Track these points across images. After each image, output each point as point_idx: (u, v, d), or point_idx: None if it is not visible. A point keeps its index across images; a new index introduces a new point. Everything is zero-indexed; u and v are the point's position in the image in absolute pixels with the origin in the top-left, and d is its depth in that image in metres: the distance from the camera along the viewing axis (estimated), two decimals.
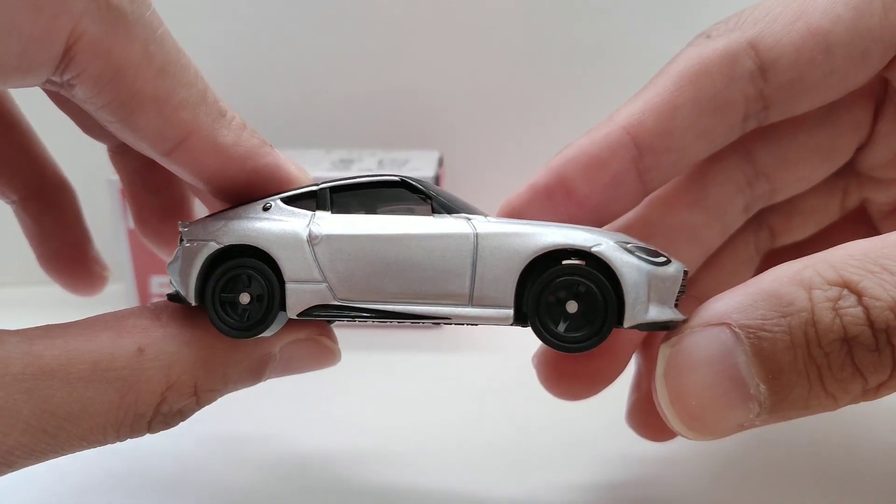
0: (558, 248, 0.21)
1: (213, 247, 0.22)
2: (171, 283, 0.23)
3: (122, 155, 0.28)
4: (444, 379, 0.37)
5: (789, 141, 0.26)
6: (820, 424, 0.31)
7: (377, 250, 0.21)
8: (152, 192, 0.29)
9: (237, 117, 0.23)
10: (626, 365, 0.28)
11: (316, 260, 0.22)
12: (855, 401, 0.18)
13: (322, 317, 0.22)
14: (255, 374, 0.23)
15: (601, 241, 0.21)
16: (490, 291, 0.21)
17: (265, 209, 0.23)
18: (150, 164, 0.27)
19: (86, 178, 0.43)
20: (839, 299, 0.18)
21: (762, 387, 0.18)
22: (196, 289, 0.22)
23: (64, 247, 0.30)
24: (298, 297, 0.22)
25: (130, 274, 0.42)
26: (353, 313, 0.22)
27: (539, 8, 0.47)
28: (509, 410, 0.34)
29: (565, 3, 0.47)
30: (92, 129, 0.27)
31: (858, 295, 0.18)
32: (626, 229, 0.27)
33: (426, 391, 0.36)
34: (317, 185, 0.23)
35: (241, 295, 0.22)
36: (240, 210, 0.23)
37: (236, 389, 0.23)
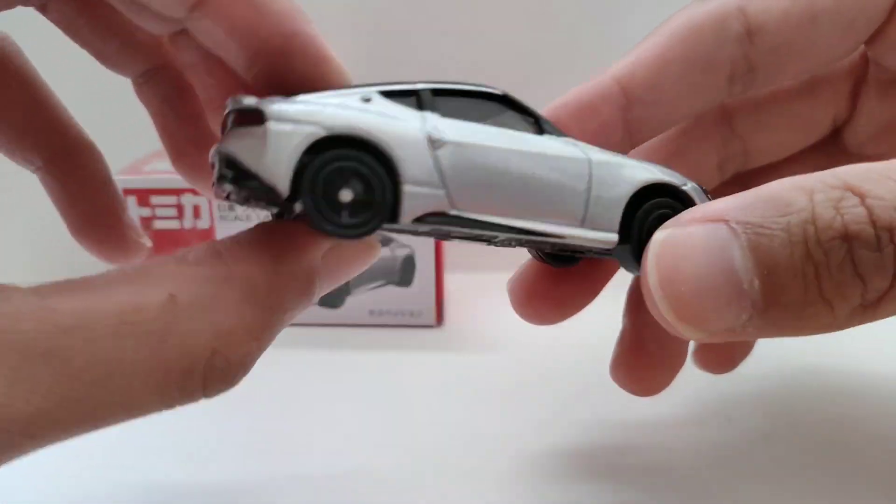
0: (658, 183, 0.23)
1: (318, 132, 0.19)
2: (227, 165, 0.19)
3: (150, 84, 0.27)
4: (443, 378, 0.37)
5: (766, 106, 0.28)
6: (821, 418, 0.32)
7: (505, 163, 0.21)
8: (185, 121, 0.27)
9: None
10: (597, 293, 0.29)
11: (437, 163, 0.20)
12: (853, 317, 0.18)
13: (435, 224, 0.20)
14: (307, 292, 0.21)
15: (687, 182, 0.24)
16: (600, 215, 0.22)
17: (365, 100, 0.20)
18: (181, 90, 0.26)
19: None
20: (841, 199, 0.17)
21: (756, 282, 0.18)
22: (291, 177, 0.19)
23: (93, 211, 0.29)
24: (415, 201, 0.20)
25: None
26: (470, 225, 0.21)
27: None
28: (510, 411, 0.34)
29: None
30: (112, 56, 0.26)
31: (861, 196, 0.17)
32: None
33: (425, 391, 0.36)
34: (414, 83, 0.21)
35: (342, 192, 0.19)
36: (326, 96, 0.20)
37: (293, 319, 0.21)
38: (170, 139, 0.28)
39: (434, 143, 0.20)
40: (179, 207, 0.41)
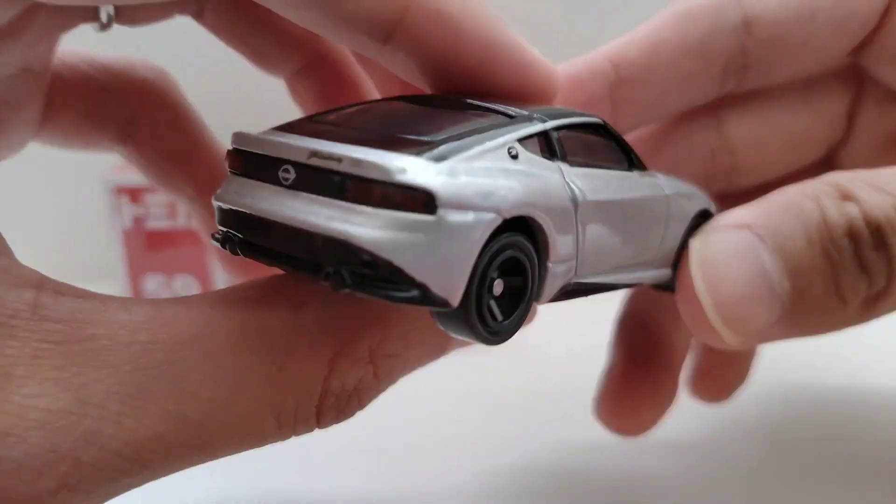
0: (704, 210, 0.22)
1: (497, 220, 0.15)
2: (351, 260, 0.14)
3: (306, 80, 0.26)
4: (442, 380, 0.37)
5: (760, 114, 0.27)
6: (820, 417, 0.31)
7: (625, 216, 0.19)
8: None
9: None
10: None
11: (578, 233, 0.17)
12: (860, 311, 0.19)
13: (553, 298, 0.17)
14: (440, 347, 0.19)
15: (709, 200, 0.23)
16: (666, 253, 0.21)
17: (512, 156, 0.16)
18: (338, 84, 0.26)
19: (81, 179, 0.43)
20: (841, 203, 0.19)
21: (785, 283, 0.19)
22: (467, 283, 0.15)
23: None
24: (555, 281, 0.17)
25: (125, 273, 0.42)
26: (584, 291, 0.18)
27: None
28: (509, 412, 0.34)
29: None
30: (268, 56, 0.25)
31: (853, 199, 0.19)
32: None
33: (425, 392, 0.36)
34: (536, 120, 0.17)
35: (496, 284, 0.15)
36: (466, 149, 0.15)
37: (419, 363, 0.19)
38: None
39: (577, 207, 0.17)
40: (172, 207, 0.41)
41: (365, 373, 0.17)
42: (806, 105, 0.27)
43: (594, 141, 0.19)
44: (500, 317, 0.16)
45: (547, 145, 0.17)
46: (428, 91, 0.19)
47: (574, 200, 0.17)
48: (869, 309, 0.19)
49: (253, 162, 0.15)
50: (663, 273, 0.21)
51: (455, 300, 0.14)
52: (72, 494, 0.14)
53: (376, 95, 0.26)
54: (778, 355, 0.33)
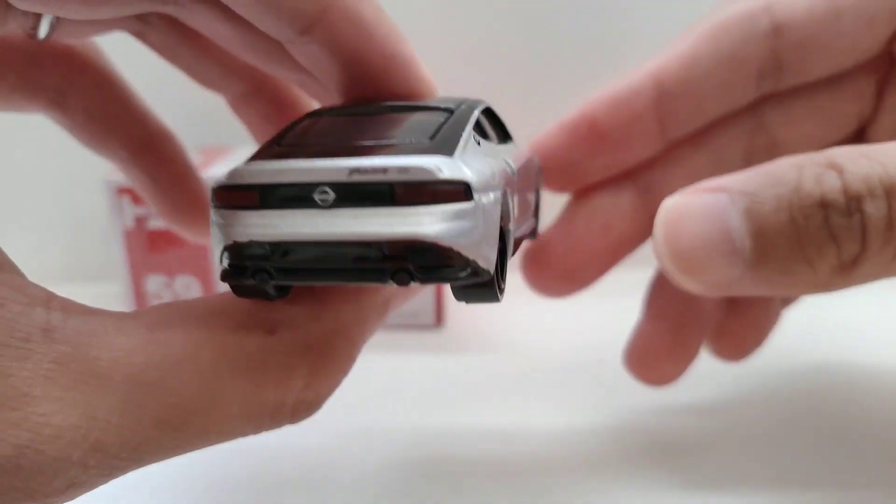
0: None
1: (499, 196, 0.17)
2: (411, 254, 0.16)
3: (248, 103, 0.28)
4: (442, 379, 0.37)
5: (792, 99, 0.28)
6: (821, 402, 0.31)
7: (523, 179, 0.22)
8: None
9: None
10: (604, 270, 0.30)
11: (514, 198, 0.20)
12: (834, 277, 0.20)
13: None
14: (384, 316, 0.22)
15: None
16: (532, 205, 0.25)
17: (476, 142, 0.19)
18: (281, 108, 0.27)
19: (81, 178, 0.43)
20: (823, 174, 0.20)
21: (747, 241, 0.21)
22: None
23: (182, 196, 0.30)
24: (511, 240, 0.19)
25: (126, 274, 0.42)
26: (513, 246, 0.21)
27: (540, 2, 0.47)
28: (509, 412, 0.34)
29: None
30: (209, 76, 0.27)
31: (840, 170, 0.20)
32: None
33: (424, 392, 0.36)
34: (464, 109, 0.19)
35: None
36: (455, 139, 0.17)
37: (371, 335, 0.22)
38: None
39: (514, 178, 0.20)
40: None
41: (336, 381, 0.20)
42: (836, 84, 0.28)
43: (490, 121, 0.22)
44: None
45: (480, 130, 0.20)
46: (334, 96, 0.22)
47: (512, 172, 0.20)
48: (845, 274, 0.20)
49: (275, 193, 0.16)
50: (533, 222, 0.25)
51: (493, 270, 0.17)
52: (78, 489, 0.16)
53: None
54: (800, 330, 0.35)
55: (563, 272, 0.30)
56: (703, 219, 0.21)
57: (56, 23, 0.23)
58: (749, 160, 0.29)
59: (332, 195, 0.16)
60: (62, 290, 0.27)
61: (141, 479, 0.28)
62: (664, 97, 0.27)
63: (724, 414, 0.32)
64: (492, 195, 0.16)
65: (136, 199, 0.40)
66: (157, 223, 0.41)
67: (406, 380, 0.37)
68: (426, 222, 0.15)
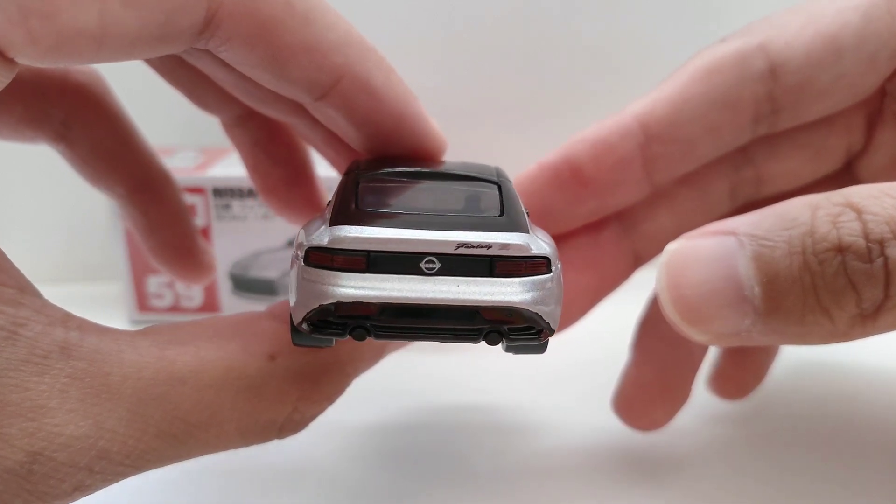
0: None
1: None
2: (502, 319, 0.18)
3: (241, 127, 0.28)
4: (442, 379, 0.37)
5: (780, 136, 0.27)
6: (829, 418, 0.32)
7: None
8: (276, 162, 0.29)
9: (384, 59, 0.22)
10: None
11: None
12: (853, 327, 0.18)
13: None
14: (378, 359, 0.23)
15: None
16: None
17: (527, 213, 0.21)
18: (271, 134, 0.27)
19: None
20: (840, 215, 0.18)
21: (757, 289, 0.19)
22: None
23: (172, 238, 0.31)
24: None
25: (128, 275, 0.42)
26: None
27: (539, 7, 0.47)
28: (509, 411, 0.34)
29: (566, 4, 0.47)
30: (206, 101, 0.27)
31: (859, 212, 0.18)
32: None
33: (424, 391, 0.36)
34: (502, 180, 0.22)
35: None
36: (519, 214, 0.20)
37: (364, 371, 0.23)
38: (260, 178, 0.29)
39: None
40: None
41: (322, 407, 0.21)
42: (825, 119, 0.27)
43: None
44: None
45: None
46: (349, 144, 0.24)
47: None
48: (866, 324, 0.18)
49: (383, 259, 0.18)
50: None
51: (556, 328, 0.19)
52: (82, 492, 0.18)
53: (305, 146, 0.29)
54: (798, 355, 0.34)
55: None
56: (708, 264, 0.19)
57: None
58: (735, 195, 0.28)
59: (437, 265, 0.18)
60: (63, 291, 0.27)
61: (141, 479, 0.28)
62: (651, 141, 0.25)
63: (723, 415, 0.33)
64: (559, 265, 0.19)
65: None
66: None
67: (406, 380, 0.37)
68: (518, 291, 0.18)
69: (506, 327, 0.18)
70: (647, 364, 0.29)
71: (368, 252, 0.18)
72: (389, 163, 0.22)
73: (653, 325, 0.29)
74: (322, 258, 0.18)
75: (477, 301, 0.18)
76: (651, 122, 0.25)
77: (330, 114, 0.22)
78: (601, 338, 0.32)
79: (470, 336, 0.18)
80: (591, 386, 0.33)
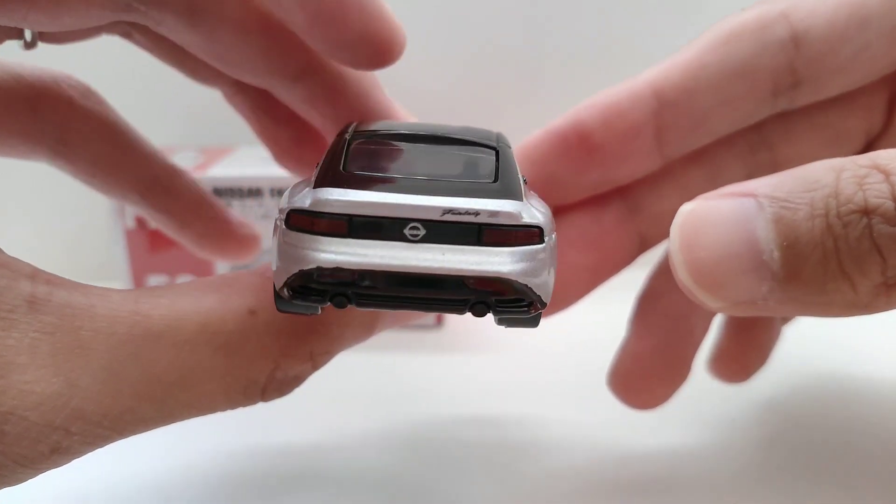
0: None
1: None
2: (490, 290, 0.17)
3: (239, 95, 0.28)
4: (443, 380, 0.37)
5: (797, 115, 0.26)
6: (827, 423, 0.31)
7: None
8: (280, 124, 0.28)
9: None
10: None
11: None
12: (878, 297, 0.17)
13: None
14: (369, 328, 0.22)
15: None
16: None
17: (525, 181, 0.20)
18: (268, 97, 0.26)
19: None
20: (866, 177, 0.17)
21: (776, 253, 0.18)
22: None
23: (204, 227, 0.30)
24: None
25: (128, 274, 0.42)
26: None
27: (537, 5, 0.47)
28: (510, 412, 0.34)
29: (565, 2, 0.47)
30: (196, 72, 0.27)
31: (886, 174, 0.17)
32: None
33: (425, 392, 0.36)
34: (501, 145, 0.21)
35: None
36: (516, 181, 0.19)
37: (350, 346, 0.22)
38: (270, 140, 0.28)
39: None
40: None
41: (304, 367, 0.20)
42: (845, 99, 0.26)
43: None
44: None
45: None
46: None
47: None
48: (891, 293, 0.17)
49: (366, 224, 0.17)
50: None
51: (548, 301, 0.18)
52: (61, 456, 0.17)
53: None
54: (802, 341, 0.33)
55: None
56: (725, 226, 0.18)
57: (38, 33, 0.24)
58: (749, 178, 0.27)
59: (422, 231, 0.17)
60: None
61: (142, 481, 0.28)
62: (664, 109, 0.24)
63: (716, 421, 0.33)
64: (553, 235, 0.18)
65: None
66: None
67: (406, 380, 0.37)
68: (507, 262, 0.17)
69: (493, 298, 0.17)
70: (646, 339, 0.28)
71: (351, 216, 0.17)
72: (384, 125, 0.22)
73: (653, 299, 0.28)
74: (303, 221, 0.17)
75: (462, 270, 0.17)
76: (665, 89, 0.24)
77: (298, 97, 0.21)
78: (604, 334, 0.32)
79: (455, 307, 0.18)
80: (591, 390, 0.33)
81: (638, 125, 0.25)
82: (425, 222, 0.17)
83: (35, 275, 0.17)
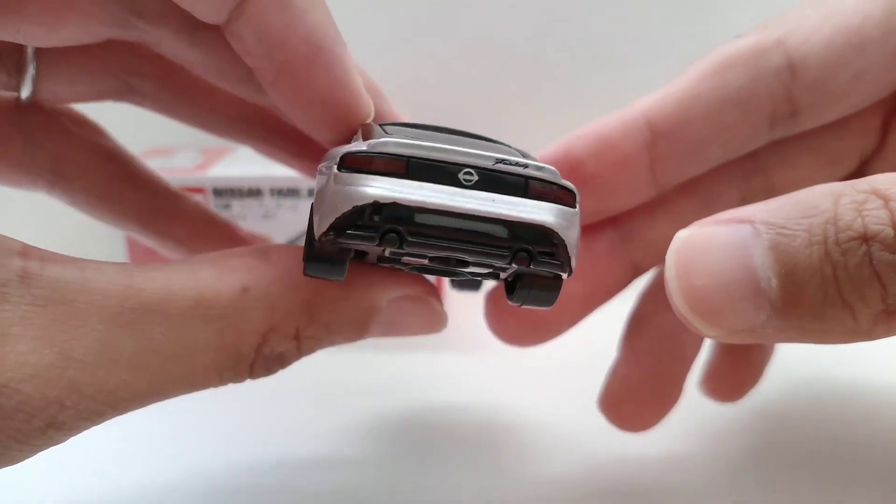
0: None
1: None
2: (535, 242, 0.18)
3: (270, 145, 0.28)
4: (443, 379, 0.37)
5: (792, 139, 0.26)
6: (822, 432, 0.31)
7: None
8: (292, 152, 0.28)
9: None
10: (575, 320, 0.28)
11: None
12: (878, 324, 0.17)
13: None
14: (360, 327, 0.22)
15: None
16: None
17: None
18: (296, 142, 0.27)
19: None
20: (865, 202, 0.17)
21: (774, 281, 0.17)
22: None
23: (216, 249, 0.29)
24: None
25: None
26: None
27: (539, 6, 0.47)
28: (510, 412, 0.34)
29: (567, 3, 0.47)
30: (218, 127, 0.27)
31: (885, 199, 0.17)
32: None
33: (425, 391, 0.36)
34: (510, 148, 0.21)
35: None
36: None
37: (339, 343, 0.22)
38: (295, 164, 0.28)
39: None
40: None
41: (290, 346, 0.21)
42: (839, 121, 0.25)
43: None
44: None
45: None
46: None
47: None
48: (891, 320, 0.17)
49: (423, 166, 0.18)
50: None
51: (574, 269, 0.19)
52: (57, 431, 0.17)
53: None
54: (797, 348, 0.32)
55: (530, 321, 0.27)
56: (722, 253, 0.18)
57: (38, 80, 0.24)
58: (744, 205, 0.26)
59: (475, 177, 0.18)
60: None
61: (143, 482, 0.28)
62: (658, 140, 0.24)
63: (717, 430, 0.32)
64: (579, 208, 0.19)
65: None
66: None
67: (405, 379, 0.37)
68: (551, 214, 0.18)
69: (534, 248, 0.18)
70: (636, 361, 0.28)
71: (409, 157, 0.18)
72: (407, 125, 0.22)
73: (643, 322, 0.28)
74: (360, 161, 0.18)
75: (513, 216, 0.18)
76: (659, 119, 0.24)
77: (243, 33, 0.21)
78: (604, 336, 0.32)
79: (499, 254, 0.18)
80: (589, 392, 0.33)
81: (631, 156, 0.24)
82: (479, 169, 0.18)
83: (26, 251, 0.18)
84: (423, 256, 0.19)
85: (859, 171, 0.26)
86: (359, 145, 0.18)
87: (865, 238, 0.16)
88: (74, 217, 0.48)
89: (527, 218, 0.18)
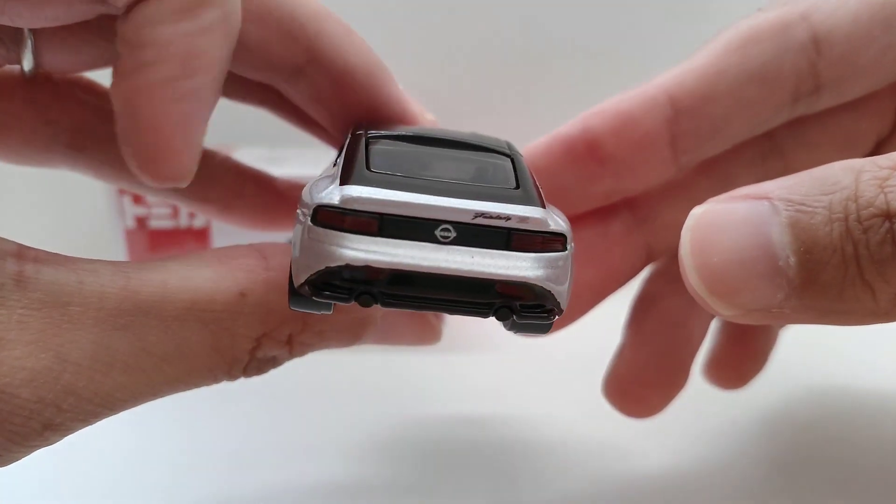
0: None
1: None
2: (511, 295, 0.18)
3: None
4: (442, 379, 0.37)
5: (809, 120, 0.25)
6: (826, 434, 0.31)
7: None
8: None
9: (355, 32, 0.22)
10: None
11: None
12: (895, 304, 0.16)
13: None
14: (353, 335, 0.22)
15: None
16: None
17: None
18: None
19: (82, 178, 0.43)
20: (888, 178, 0.16)
21: (792, 259, 0.17)
22: None
23: (254, 205, 0.28)
24: None
25: None
26: None
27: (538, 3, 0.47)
28: (509, 411, 0.34)
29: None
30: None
31: None
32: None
33: (424, 391, 0.36)
34: (513, 152, 0.21)
35: None
36: (534, 189, 0.19)
37: (331, 348, 0.22)
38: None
39: None
40: (175, 207, 0.41)
41: (282, 351, 0.21)
42: (856, 101, 0.25)
43: None
44: None
45: None
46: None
47: None
48: None
49: (397, 223, 0.17)
50: None
51: (565, 309, 0.18)
52: (53, 432, 0.17)
53: None
54: (800, 347, 0.33)
55: None
56: (739, 230, 0.17)
57: (38, 52, 0.23)
58: None
59: (453, 233, 0.17)
60: None
61: (144, 483, 0.28)
62: (680, 117, 0.23)
63: (716, 427, 0.32)
64: (572, 245, 0.18)
65: (136, 200, 0.41)
66: (158, 223, 0.41)
67: (405, 379, 0.37)
68: (534, 267, 0.17)
69: (517, 304, 0.17)
70: (642, 346, 0.27)
71: (382, 215, 0.17)
72: (396, 127, 0.22)
73: (649, 304, 0.28)
74: (332, 217, 0.17)
75: (492, 274, 0.17)
76: (681, 95, 0.23)
77: (303, 92, 0.21)
78: (606, 334, 0.32)
79: (480, 310, 0.18)
80: (591, 391, 0.33)
81: (652, 134, 0.24)
82: (457, 225, 0.17)
83: (21, 253, 0.18)
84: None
85: (874, 154, 0.26)
86: (332, 193, 0.17)
87: (888, 215, 0.16)
88: (74, 215, 0.48)
89: (507, 275, 0.17)
